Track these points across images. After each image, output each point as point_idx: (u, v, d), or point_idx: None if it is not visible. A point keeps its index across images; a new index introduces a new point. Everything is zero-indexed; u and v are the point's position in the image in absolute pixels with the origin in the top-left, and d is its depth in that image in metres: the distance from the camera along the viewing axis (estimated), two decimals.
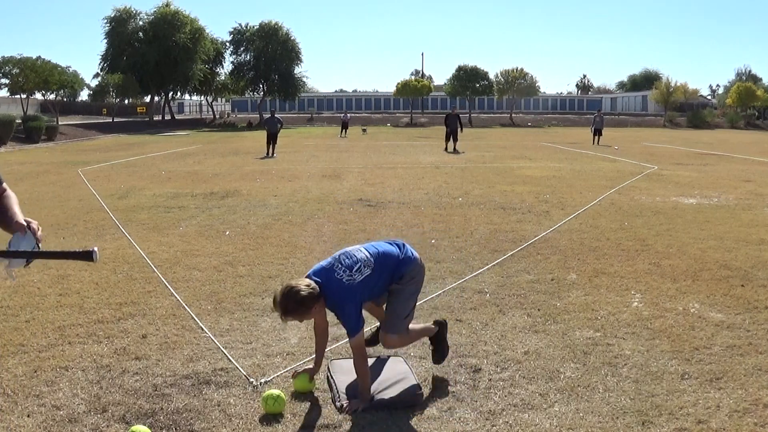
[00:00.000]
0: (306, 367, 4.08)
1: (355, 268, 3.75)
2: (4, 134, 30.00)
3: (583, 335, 4.90)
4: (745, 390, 3.94)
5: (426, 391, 3.91)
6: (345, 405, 3.69)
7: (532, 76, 69.76)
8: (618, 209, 10.82)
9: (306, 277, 3.81)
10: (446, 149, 25.91)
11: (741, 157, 23.64)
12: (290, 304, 3.57)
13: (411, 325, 4.02)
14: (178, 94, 67.36)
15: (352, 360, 3.95)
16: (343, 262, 3.80)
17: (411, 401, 3.77)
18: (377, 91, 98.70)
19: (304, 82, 71.85)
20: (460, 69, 72.23)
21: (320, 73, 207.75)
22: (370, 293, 3.84)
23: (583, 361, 4.39)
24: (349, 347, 3.94)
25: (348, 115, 46.74)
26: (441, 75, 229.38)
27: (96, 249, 2.40)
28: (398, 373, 4.04)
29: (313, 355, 4.42)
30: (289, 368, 4.25)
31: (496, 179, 15.46)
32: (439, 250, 7.72)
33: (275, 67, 65.41)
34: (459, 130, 26.68)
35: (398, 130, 53.24)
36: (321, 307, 3.74)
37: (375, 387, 3.87)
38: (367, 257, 3.82)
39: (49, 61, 43.88)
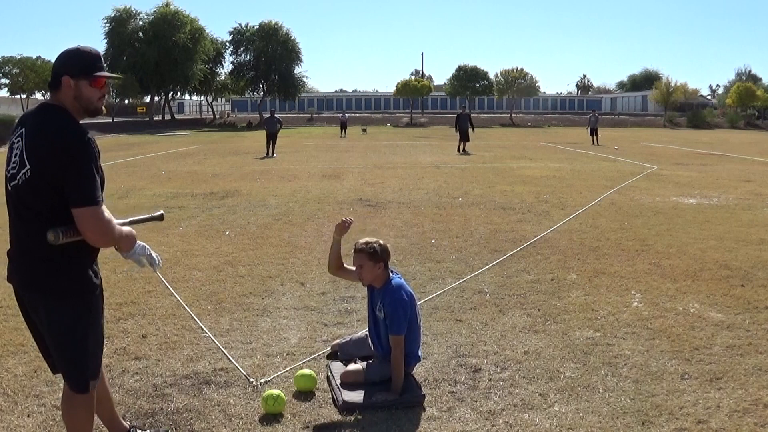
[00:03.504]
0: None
1: (417, 309, 4.07)
2: (4, 134, 30.01)
3: (583, 335, 4.89)
4: (745, 390, 3.94)
5: (426, 391, 3.91)
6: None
7: (532, 76, 69.90)
8: (618, 209, 10.82)
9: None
10: (458, 150, 24.97)
11: (741, 157, 23.64)
12: (384, 252, 3.94)
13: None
14: (178, 94, 67.43)
15: (351, 362, 4.08)
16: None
17: (411, 401, 3.77)
18: (377, 91, 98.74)
19: (304, 82, 71.92)
20: (460, 69, 72.28)
21: (320, 73, 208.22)
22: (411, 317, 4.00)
23: (583, 361, 4.39)
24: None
25: (346, 115, 46.74)
26: (441, 75, 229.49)
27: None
28: None
29: (314, 355, 4.42)
30: (289, 368, 4.25)
31: (496, 179, 15.46)
32: (439, 250, 7.72)
33: (275, 67, 65.44)
34: (471, 130, 25.73)
35: (398, 130, 53.26)
36: (382, 273, 3.96)
37: (377, 387, 3.87)
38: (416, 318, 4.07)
39: (49, 61, 43.96)
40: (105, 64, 2.83)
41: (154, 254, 2.94)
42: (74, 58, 2.68)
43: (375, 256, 3.89)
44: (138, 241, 2.85)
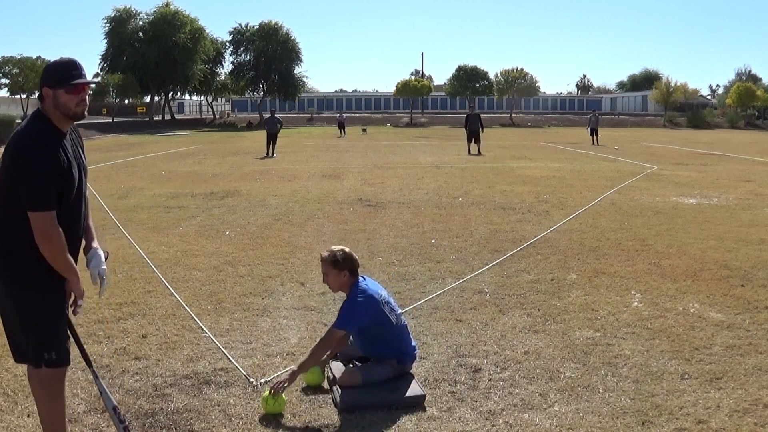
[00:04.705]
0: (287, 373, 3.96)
1: (387, 310, 4.06)
2: (4, 134, 30.01)
3: (583, 335, 4.90)
4: (745, 390, 3.94)
5: (426, 391, 3.91)
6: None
7: (532, 76, 69.87)
8: (618, 209, 10.82)
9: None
10: (469, 152, 24.40)
11: (741, 157, 23.64)
12: (347, 260, 4.01)
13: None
14: (178, 94, 67.37)
15: (350, 363, 4.12)
16: (390, 301, 4.15)
17: (411, 401, 3.77)
18: (377, 91, 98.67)
19: (304, 82, 71.85)
20: (460, 69, 72.27)
21: (320, 73, 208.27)
22: (370, 322, 4.01)
23: (583, 361, 4.39)
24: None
25: (344, 115, 46.71)
26: (441, 75, 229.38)
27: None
28: (400, 374, 4.04)
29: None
30: (288, 368, 4.25)
31: (496, 179, 15.46)
32: (439, 250, 7.72)
33: (275, 67, 65.39)
34: (480, 130, 24.97)
35: (398, 130, 53.25)
36: (348, 281, 4.03)
37: (377, 387, 3.88)
38: (394, 323, 4.08)
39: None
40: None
41: (103, 285, 3.10)
42: (51, 70, 2.94)
43: (337, 264, 4.00)
44: (100, 265, 3.04)
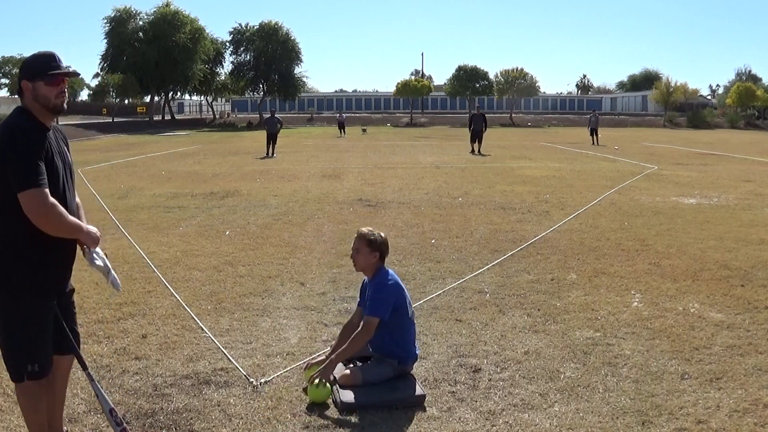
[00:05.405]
0: (317, 362, 4.06)
1: (406, 300, 4.11)
2: None
3: (583, 335, 4.90)
4: (745, 390, 3.94)
5: (426, 391, 3.91)
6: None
7: (532, 76, 69.91)
8: (618, 209, 10.82)
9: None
10: (472, 151, 24.51)
11: (741, 157, 23.64)
12: (382, 244, 4.09)
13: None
14: (178, 94, 67.41)
15: (350, 363, 4.11)
16: (407, 295, 4.20)
17: (411, 401, 3.77)
18: (377, 91, 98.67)
19: (304, 82, 71.88)
20: (460, 69, 72.24)
21: (320, 73, 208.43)
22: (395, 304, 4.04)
23: (583, 361, 4.39)
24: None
25: (344, 115, 46.77)
26: (441, 75, 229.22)
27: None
28: (400, 374, 4.04)
29: (314, 355, 4.41)
30: (288, 368, 4.25)
31: (496, 179, 15.46)
32: (439, 250, 7.72)
33: (275, 67, 65.42)
34: (483, 129, 24.87)
35: (398, 130, 53.25)
36: (375, 263, 4.08)
37: (377, 387, 3.88)
38: (406, 313, 4.10)
39: None
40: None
41: (117, 277, 3.10)
42: (29, 63, 2.92)
43: (373, 244, 4.06)
44: (104, 261, 3.02)
